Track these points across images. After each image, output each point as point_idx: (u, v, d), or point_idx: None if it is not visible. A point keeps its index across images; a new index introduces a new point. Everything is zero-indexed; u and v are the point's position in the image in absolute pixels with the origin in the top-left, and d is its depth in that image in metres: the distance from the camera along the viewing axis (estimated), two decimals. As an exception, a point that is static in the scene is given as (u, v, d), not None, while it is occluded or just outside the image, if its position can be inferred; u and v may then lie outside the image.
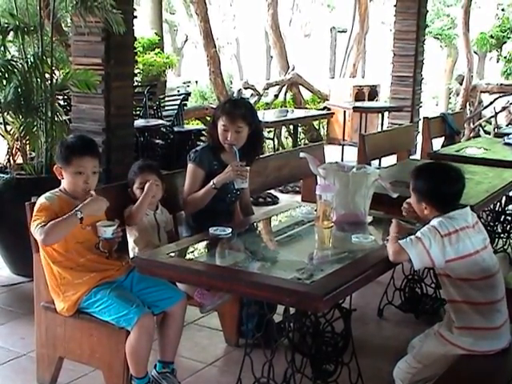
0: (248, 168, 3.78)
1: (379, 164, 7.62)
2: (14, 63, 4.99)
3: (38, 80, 4.99)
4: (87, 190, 3.23)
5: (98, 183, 3.38)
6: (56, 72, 5.38)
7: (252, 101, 10.70)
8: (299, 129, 10.67)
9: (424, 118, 7.56)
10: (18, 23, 4.97)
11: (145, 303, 3.17)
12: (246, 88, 11.79)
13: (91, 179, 3.24)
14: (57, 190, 3.25)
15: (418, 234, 2.94)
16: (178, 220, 4.03)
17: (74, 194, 3.23)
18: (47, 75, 5.04)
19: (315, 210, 3.50)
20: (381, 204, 3.59)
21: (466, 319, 2.97)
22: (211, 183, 3.74)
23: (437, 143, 7.54)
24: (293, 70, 12.90)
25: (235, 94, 10.96)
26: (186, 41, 26.30)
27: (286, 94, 12.65)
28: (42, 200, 3.16)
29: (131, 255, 3.58)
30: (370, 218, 3.59)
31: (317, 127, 12.24)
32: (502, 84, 12.88)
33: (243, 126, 3.80)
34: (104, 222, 3.24)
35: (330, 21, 24.55)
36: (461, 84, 13.58)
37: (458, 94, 14.11)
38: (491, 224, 5.78)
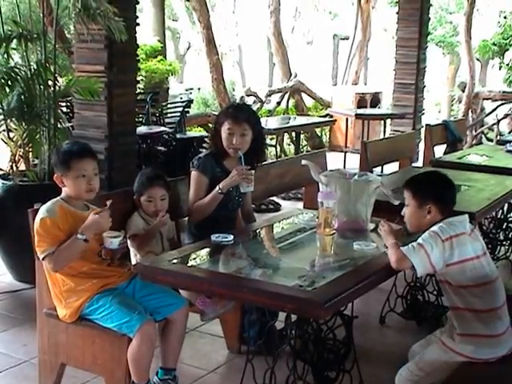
0: (253, 171, 3.78)
1: (381, 171, 7.62)
2: (17, 70, 5.01)
3: (41, 87, 5.01)
4: (92, 191, 3.22)
5: (100, 190, 3.38)
6: (59, 79, 5.40)
7: (254, 108, 10.70)
8: (301, 136, 10.68)
9: (426, 125, 7.56)
10: (21, 31, 5.00)
11: (147, 310, 3.17)
12: (248, 95, 11.80)
13: (94, 180, 3.24)
14: (58, 198, 3.23)
15: (420, 240, 2.96)
16: (181, 227, 4.03)
17: (78, 199, 3.23)
18: (50, 82, 5.06)
19: (317, 217, 3.50)
20: (382, 211, 3.59)
21: (468, 326, 2.99)
22: (217, 188, 3.73)
23: (439, 150, 7.54)
24: (295, 77, 12.91)
25: (238, 101, 10.97)
26: (189, 48, 26.37)
27: (288, 101, 12.66)
28: (43, 214, 3.12)
29: (133, 262, 3.58)
30: (371, 226, 3.59)
31: (319, 134, 12.26)
32: (504, 91, 12.90)
33: (248, 129, 3.80)
34: (110, 232, 3.23)
35: (333, 28, 24.65)
36: (463, 91, 13.59)
37: (460, 102, 14.12)
38: (493, 231, 5.78)
